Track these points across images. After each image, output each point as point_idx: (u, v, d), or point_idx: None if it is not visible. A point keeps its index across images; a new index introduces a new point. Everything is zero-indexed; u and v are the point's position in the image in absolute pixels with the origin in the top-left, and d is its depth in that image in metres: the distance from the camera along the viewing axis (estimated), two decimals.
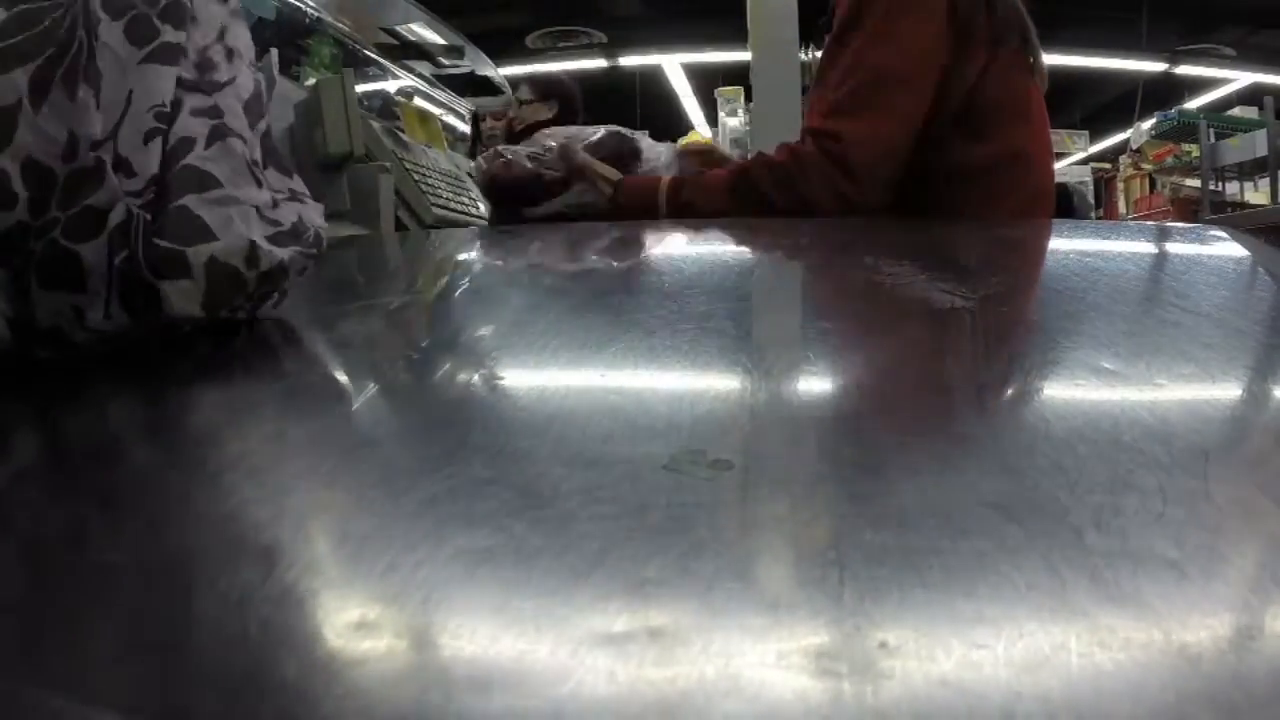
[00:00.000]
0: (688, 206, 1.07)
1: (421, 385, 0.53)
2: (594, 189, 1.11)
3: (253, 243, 0.49)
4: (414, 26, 1.83)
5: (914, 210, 1.05)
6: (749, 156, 1.15)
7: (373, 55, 1.78)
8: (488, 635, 0.27)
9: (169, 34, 0.47)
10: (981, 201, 1.06)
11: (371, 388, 0.53)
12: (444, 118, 1.96)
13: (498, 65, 2.47)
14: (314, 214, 0.57)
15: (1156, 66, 6.64)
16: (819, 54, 1.23)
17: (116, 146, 0.44)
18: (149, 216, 0.45)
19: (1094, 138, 7.57)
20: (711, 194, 1.07)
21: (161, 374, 0.51)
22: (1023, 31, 1.09)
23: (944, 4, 1.01)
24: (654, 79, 6.97)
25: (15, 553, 0.34)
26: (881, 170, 1.01)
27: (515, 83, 2.88)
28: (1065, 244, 0.94)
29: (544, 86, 2.96)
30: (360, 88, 1.56)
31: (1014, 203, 1.10)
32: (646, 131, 1.21)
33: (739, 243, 0.93)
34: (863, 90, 1.01)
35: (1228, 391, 0.48)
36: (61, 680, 0.26)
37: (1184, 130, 5.43)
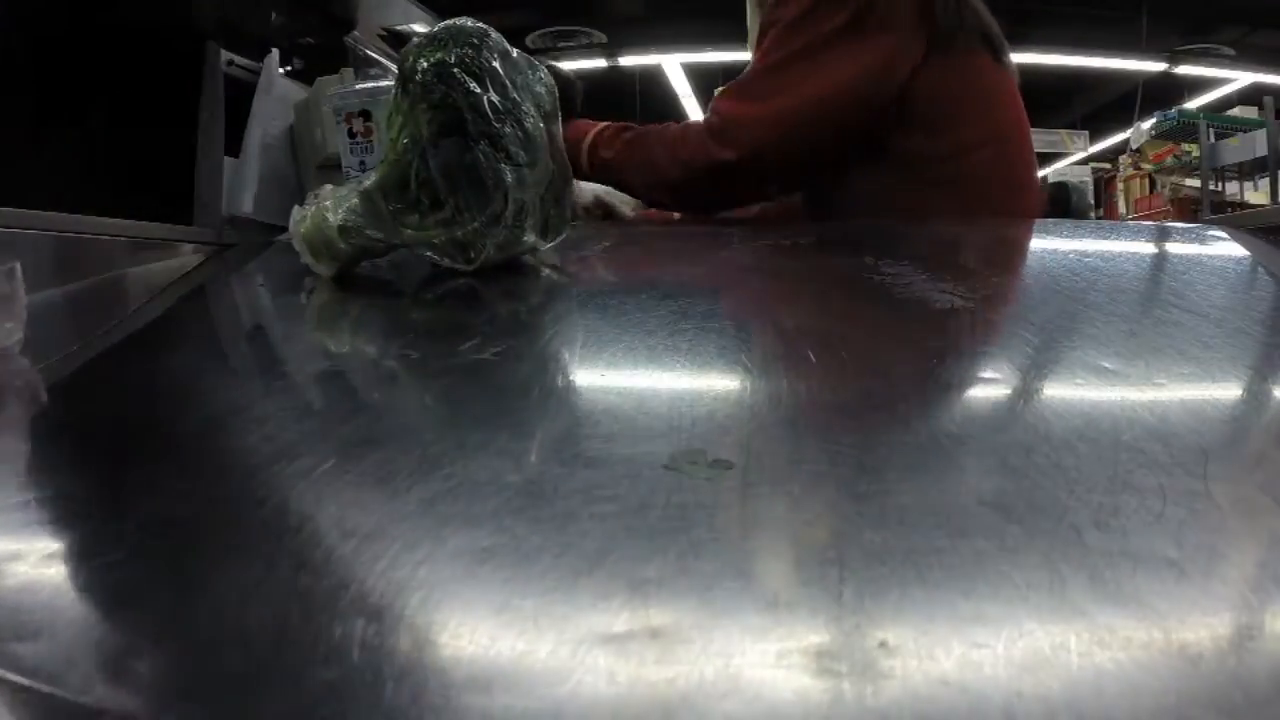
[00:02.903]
0: (602, 164, 1.12)
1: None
2: None
3: None
4: (414, 26, 1.83)
5: (871, 204, 1.06)
6: None
7: (373, 55, 1.78)
8: (488, 635, 0.27)
9: None
10: (937, 193, 1.07)
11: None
12: None
13: None
14: None
15: (1156, 66, 6.63)
16: None
17: None
18: None
19: (1094, 138, 7.56)
20: (613, 144, 1.12)
21: None
22: (983, 30, 1.10)
23: (860, 3, 1.02)
24: (654, 79, 6.96)
25: None
26: (764, 141, 1.02)
27: None
28: (1065, 244, 0.94)
29: None
30: (360, 88, 1.55)
31: (974, 195, 1.10)
32: None
33: (740, 240, 0.93)
34: (759, 77, 1.05)
35: (1227, 391, 0.48)
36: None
37: (1184, 130, 5.43)
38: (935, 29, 1.03)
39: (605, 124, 1.14)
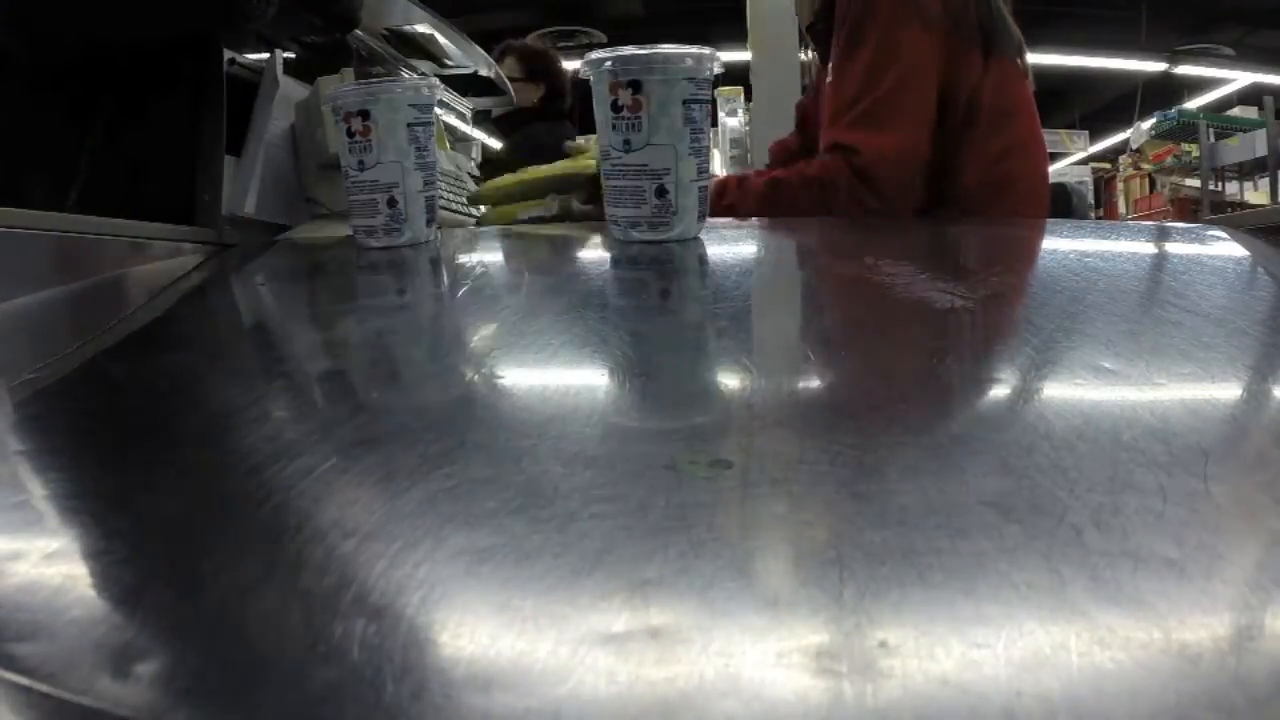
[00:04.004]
0: (729, 209, 1.11)
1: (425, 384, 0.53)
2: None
3: None
4: (415, 26, 1.83)
5: (937, 206, 1.09)
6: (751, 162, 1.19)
7: (374, 54, 1.78)
8: (488, 634, 0.27)
9: None
10: (994, 191, 1.12)
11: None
12: (445, 118, 1.95)
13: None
14: None
15: (1156, 66, 6.63)
16: (814, 55, 1.25)
17: None
18: None
19: (1094, 138, 7.56)
20: (748, 199, 1.11)
21: None
22: (1018, 41, 1.14)
23: (939, 12, 1.06)
24: None
25: None
26: (904, 178, 1.06)
27: (502, 52, 2.74)
28: (1065, 244, 0.94)
29: (531, 64, 2.81)
30: (360, 87, 1.55)
31: (1021, 189, 1.15)
32: None
33: (743, 242, 0.93)
34: (880, 102, 1.06)
35: (1227, 391, 0.48)
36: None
37: (1184, 130, 5.43)
38: (991, 33, 1.08)
39: (726, 175, 1.14)
